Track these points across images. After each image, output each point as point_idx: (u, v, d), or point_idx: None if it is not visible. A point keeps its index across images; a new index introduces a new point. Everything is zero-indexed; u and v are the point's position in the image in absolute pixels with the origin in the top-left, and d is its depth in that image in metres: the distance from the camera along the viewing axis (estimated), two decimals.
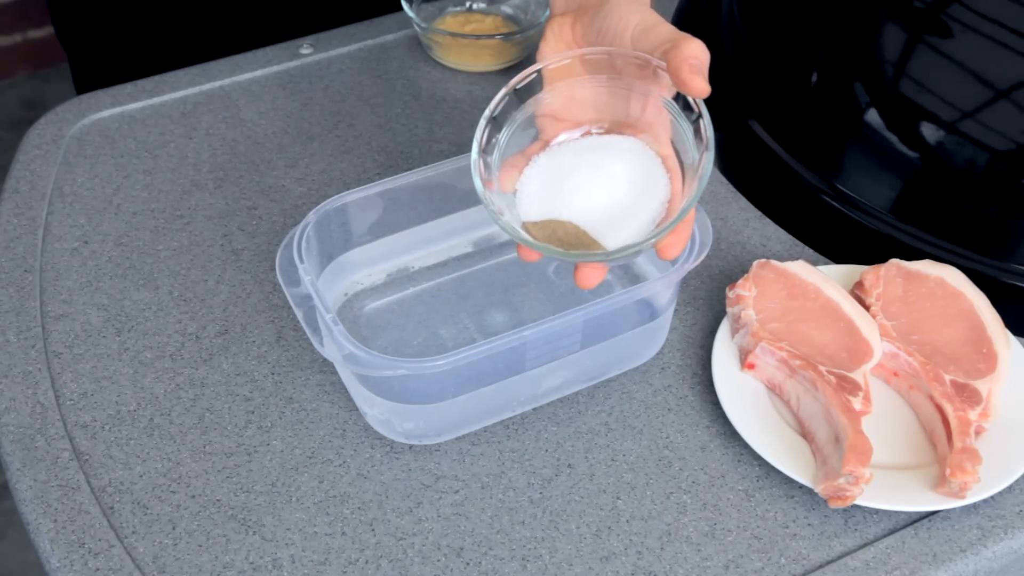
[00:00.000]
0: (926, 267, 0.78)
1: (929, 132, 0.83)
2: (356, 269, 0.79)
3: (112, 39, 1.06)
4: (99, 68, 1.07)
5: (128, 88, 0.95)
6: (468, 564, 0.67)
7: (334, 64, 0.99)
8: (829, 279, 0.77)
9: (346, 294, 0.80)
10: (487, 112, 0.64)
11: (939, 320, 0.76)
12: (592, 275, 0.63)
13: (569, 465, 0.72)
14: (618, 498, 0.70)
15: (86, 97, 0.95)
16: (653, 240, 0.60)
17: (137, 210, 0.87)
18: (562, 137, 0.65)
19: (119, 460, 0.71)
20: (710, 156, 0.60)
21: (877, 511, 0.69)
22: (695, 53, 0.59)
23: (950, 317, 0.76)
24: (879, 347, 0.74)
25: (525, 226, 0.63)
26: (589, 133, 0.65)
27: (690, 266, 0.70)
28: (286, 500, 0.70)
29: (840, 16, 0.92)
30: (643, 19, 0.62)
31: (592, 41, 0.64)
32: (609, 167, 0.63)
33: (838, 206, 0.86)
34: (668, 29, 0.61)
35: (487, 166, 0.64)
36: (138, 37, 1.05)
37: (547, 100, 0.65)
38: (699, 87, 0.59)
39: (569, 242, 0.62)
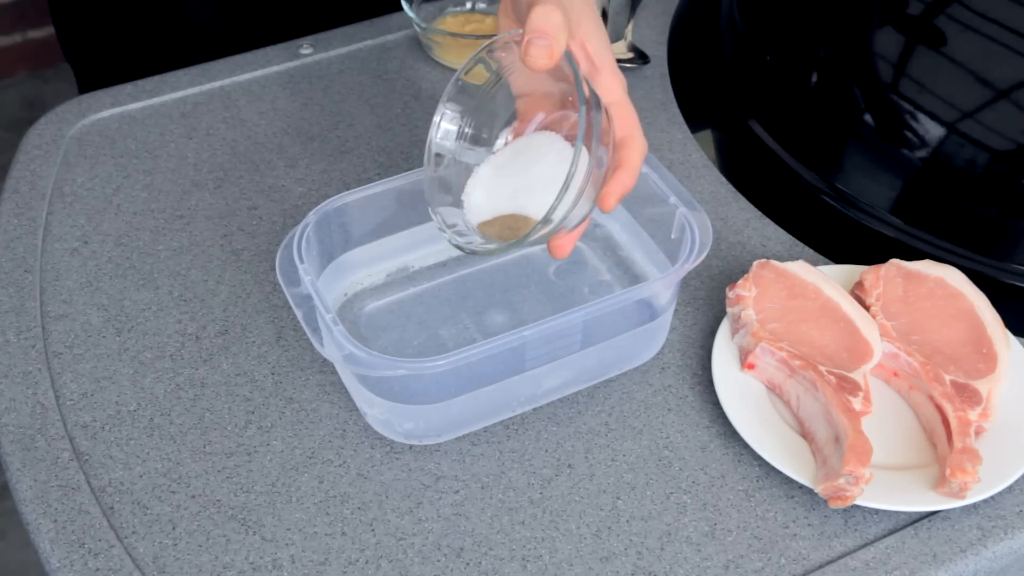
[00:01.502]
0: (926, 267, 0.78)
1: (929, 132, 0.83)
2: (356, 269, 0.79)
3: (114, 42, 1.06)
4: (103, 75, 1.07)
5: (128, 88, 0.95)
6: (468, 564, 0.67)
7: (334, 64, 0.99)
8: (829, 279, 0.77)
9: (346, 294, 0.80)
10: (428, 139, 0.67)
11: (939, 320, 0.76)
12: (563, 246, 0.65)
13: (569, 465, 0.72)
14: (618, 498, 0.70)
15: (86, 97, 0.95)
16: (565, 197, 0.60)
17: (137, 210, 0.87)
18: (494, 148, 0.68)
19: (119, 460, 0.71)
20: (583, 110, 0.60)
21: (877, 511, 0.69)
22: (532, 26, 0.60)
23: (950, 317, 0.76)
24: (879, 347, 0.74)
25: (480, 227, 0.67)
26: (507, 142, 0.68)
27: (690, 266, 0.70)
28: (286, 500, 0.70)
29: (840, 16, 0.92)
30: None
31: (517, 19, 0.66)
32: (531, 159, 0.66)
33: (838, 206, 0.86)
34: None
35: (440, 184, 0.68)
36: (140, 38, 1.05)
37: (514, 84, 0.67)
38: (530, 60, 0.60)
39: (519, 228, 0.65)
